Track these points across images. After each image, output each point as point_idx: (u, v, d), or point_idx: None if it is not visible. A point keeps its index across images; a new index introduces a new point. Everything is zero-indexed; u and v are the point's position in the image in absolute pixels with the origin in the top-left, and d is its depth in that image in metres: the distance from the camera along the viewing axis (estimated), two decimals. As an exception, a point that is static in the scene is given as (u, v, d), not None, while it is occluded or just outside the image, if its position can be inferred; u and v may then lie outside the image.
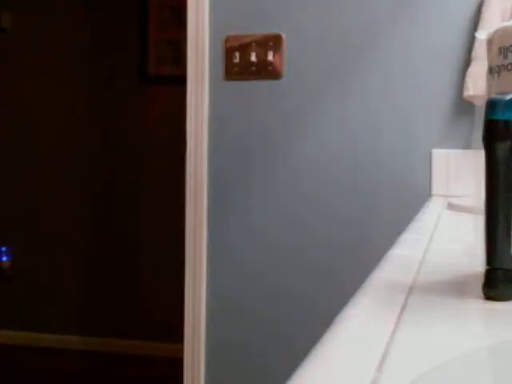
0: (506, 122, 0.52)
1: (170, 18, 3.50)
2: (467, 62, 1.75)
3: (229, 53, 1.96)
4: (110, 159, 3.57)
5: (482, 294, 0.53)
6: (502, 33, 0.59)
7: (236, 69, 1.96)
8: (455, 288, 0.59)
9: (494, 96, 0.54)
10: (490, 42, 0.60)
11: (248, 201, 1.95)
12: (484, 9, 1.71)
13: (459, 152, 1.77)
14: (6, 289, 3.71)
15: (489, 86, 0.60)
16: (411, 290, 0.57)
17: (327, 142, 1.89)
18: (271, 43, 1.93)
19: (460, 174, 1.75)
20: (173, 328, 3.36)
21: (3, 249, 3.69)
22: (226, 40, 1.96)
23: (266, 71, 1.94)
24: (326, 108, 1.89)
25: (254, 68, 1.95)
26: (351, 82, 1.87)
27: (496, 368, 0.37)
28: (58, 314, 3.60)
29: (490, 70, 0.60)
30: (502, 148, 0.52)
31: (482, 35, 1.66)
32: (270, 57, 1.93)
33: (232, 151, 1.96)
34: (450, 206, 1.37)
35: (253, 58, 1.94)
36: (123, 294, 3.55)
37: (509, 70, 0.57)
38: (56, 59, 3.62)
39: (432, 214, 1.31)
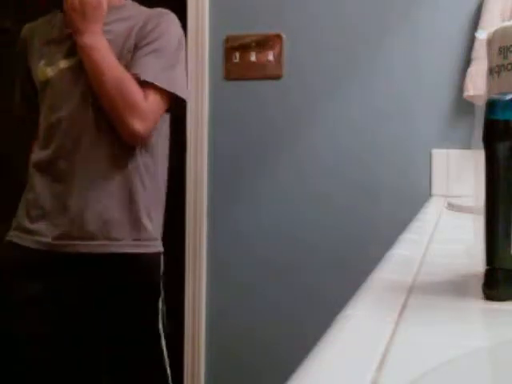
0: (506, 122, 0.52)
1: (170, 18, 3.49)
2: (467, 61, 1.75)
3: (229, 53, 1.96)
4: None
5: (482, 294, 0.53)
6: (502, 33, 0.59)
7: (236, 69, 1.96)
8: (455, 288, 0.59)
9: (493, 96, 0.54)
10: (489, 41, 0.60)
11: (247, 200, 1.95)
12: (484, 9, 1.71)
13: (459, 152, 1.77)
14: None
15: (489, 86, 0.60)
16: (411, 290, 0.57)
17: (327, 142, 1.89)
18: (271, 43, 1.93)
19: (460, 174, 1.75)
20: (173, 328, 3.35)
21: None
22: (226, 40, 1.96)
23: (266, 71, 1.94)
24: (326, 108, 1.89)
25: (254, 68, 1.95)
26: (351, 82, 1.87)
27: (496, 368, 0.37)
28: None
29: (490, 70, 0.60)
30: (501, 148, 0.52)
31: (481, 35, 1.66)
32: (270, 57, 1.93)
33: (232, 151, 1.96)
34: (450, 206, 1.37)
35: (253, 58, 1.94)
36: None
37: (509, 70, 0.57)
38: (56, 59, 3.62)
39: (432, 213, 1.31)
